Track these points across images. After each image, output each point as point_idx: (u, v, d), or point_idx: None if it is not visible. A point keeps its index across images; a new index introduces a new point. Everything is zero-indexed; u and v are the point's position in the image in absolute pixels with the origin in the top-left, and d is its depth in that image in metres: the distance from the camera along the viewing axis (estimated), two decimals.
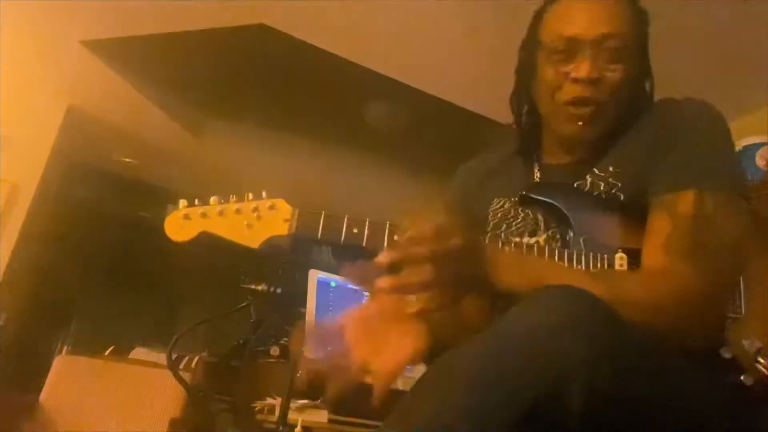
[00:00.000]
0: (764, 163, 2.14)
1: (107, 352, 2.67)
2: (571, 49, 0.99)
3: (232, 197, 1.00)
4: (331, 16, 2.71)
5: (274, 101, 3.58)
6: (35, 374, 2.47)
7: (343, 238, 0.95)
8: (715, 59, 2.52)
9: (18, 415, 2.23)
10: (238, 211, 0.98)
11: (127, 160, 3.92)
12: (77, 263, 3.86)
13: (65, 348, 3.89)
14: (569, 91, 1.00)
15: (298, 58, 3.04)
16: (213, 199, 1.00)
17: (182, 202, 1.00)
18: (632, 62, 1.01)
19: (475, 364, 0.65)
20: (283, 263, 2.30)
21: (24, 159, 3.59)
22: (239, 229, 0.98)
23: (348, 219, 0.96)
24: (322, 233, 0.96)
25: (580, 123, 1.01)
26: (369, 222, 0.95)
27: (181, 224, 0.99)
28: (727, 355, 0.89)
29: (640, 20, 1.03)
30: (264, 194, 0.99)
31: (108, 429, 2.14)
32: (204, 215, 0.98)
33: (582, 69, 0.98)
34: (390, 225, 0.95)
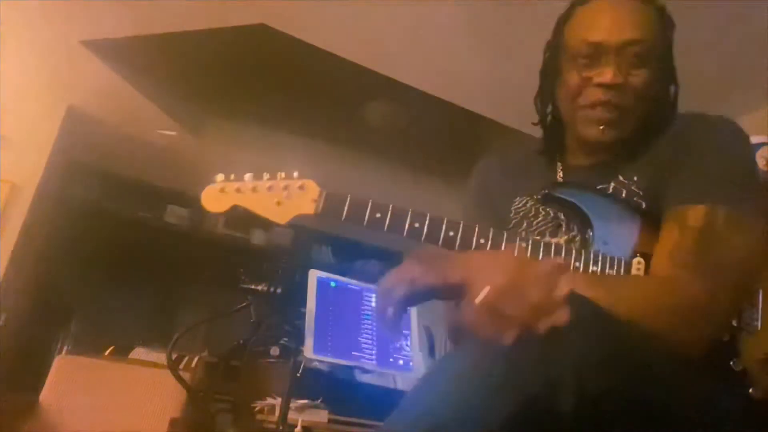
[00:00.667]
0: (764, 163, 2.14)
1: (107, 352, 2.67)
2: (595, 54, 1.00)
3: (266, 175, 1.05)
4: (331, 16, 2.71)
5: (275, 101, 3.57)
6: (35, 374, 2.47)
7: (366, 221, 0.99)
8: (715, 59, 2.52)
9: (18, 415, 2.23)
10: (270, 188, 1.04)
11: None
12: (77, 263, 3.85)
13: (65, 348, 3.87)
14: (590, 95, 1.01)
15: (298, 58, 3.03)
16: (248, 176, 1.05)
17: (219, 176, 1.07)
18: (656, 67, 1.02)
19: (467, 362, 0.66)
20: (283, 263, 2.29)
21: (24, 159, 3.59)
22: (269, 206, 1.03)
23: (372, 203, 1.00)
24: (346, 214, 1.01)
25: (602, 127, 1.02)
26: (392, 207, 0.99)
27: (217, 196, 1.05)
28: (737, 367, 0.89)
29: (664, 26, 1.04)
30: (295, 174, 1.05)
31: (108, 429, 2.14)
32: (239, 190, 1.05)
33: (606, 75, 0.99)
34: (412, 213, 0.99)
